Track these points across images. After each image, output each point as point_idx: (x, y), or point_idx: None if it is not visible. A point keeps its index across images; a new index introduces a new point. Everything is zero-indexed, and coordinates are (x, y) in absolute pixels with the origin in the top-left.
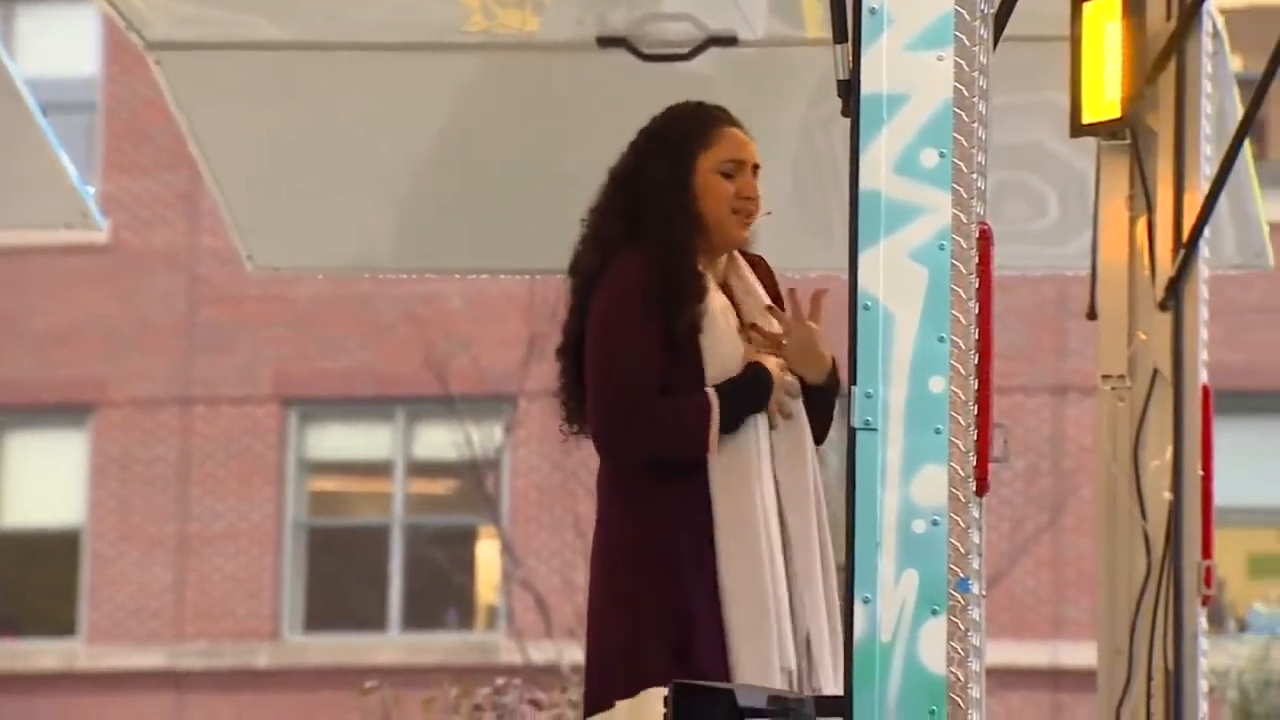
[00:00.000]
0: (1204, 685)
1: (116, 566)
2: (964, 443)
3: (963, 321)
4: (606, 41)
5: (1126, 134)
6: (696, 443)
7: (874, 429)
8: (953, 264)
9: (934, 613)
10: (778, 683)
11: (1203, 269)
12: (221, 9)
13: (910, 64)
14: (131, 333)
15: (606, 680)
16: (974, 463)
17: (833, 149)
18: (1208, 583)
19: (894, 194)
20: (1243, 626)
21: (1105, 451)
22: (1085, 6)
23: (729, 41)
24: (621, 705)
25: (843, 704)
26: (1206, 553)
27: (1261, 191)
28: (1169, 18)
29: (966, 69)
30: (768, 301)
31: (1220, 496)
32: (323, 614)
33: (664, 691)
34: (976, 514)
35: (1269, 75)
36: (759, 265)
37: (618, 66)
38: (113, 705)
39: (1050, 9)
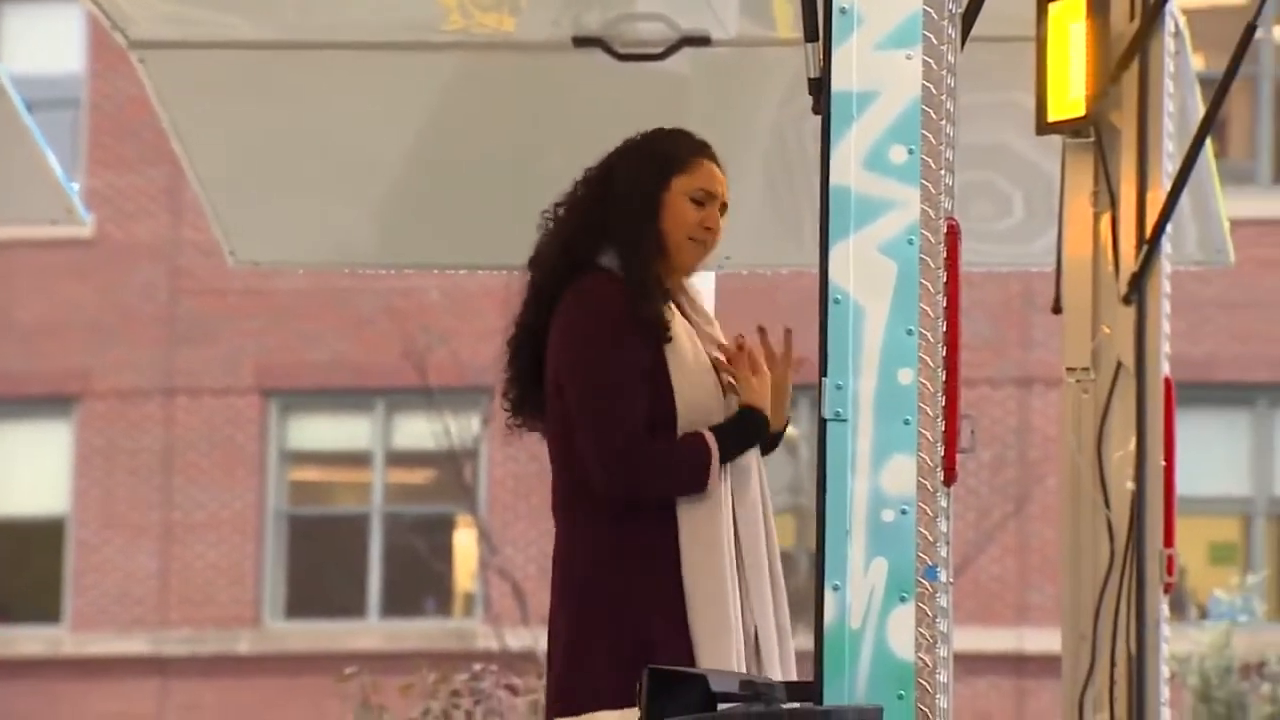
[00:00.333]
0: (1166, 671)
1: (101, 554)
2: (932, 433)
3: (931, 315)
4: (582, 41)
5: (1091, 132)
6: (696, 485)
7: (844, 420)
8: (921, 258)
9: (902, 600)
10: None
11: (1165, 264)
12: (203, 9)
13: (880, 63)
14: (115, 325)
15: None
16: (942, 453)
17: (804, 146)
18: (1169, 571)
19: (864, 190)
20: (1203, 613)
21: (1070, 442)
22: (1050, 7)
23: (702, 41)
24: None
25: (813, 689)
26: (1168, 541)
27: (1222, 189)
28: (1132, 18)
29: (935, 68)
30: (712, 318)
31: (1181, 486)
32: (303, 601)
33: (615, 713)
34: (944, 503)
35: (1230, 74)
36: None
37: (593, 66)
38: (97, 691)
39: (1016, 9)
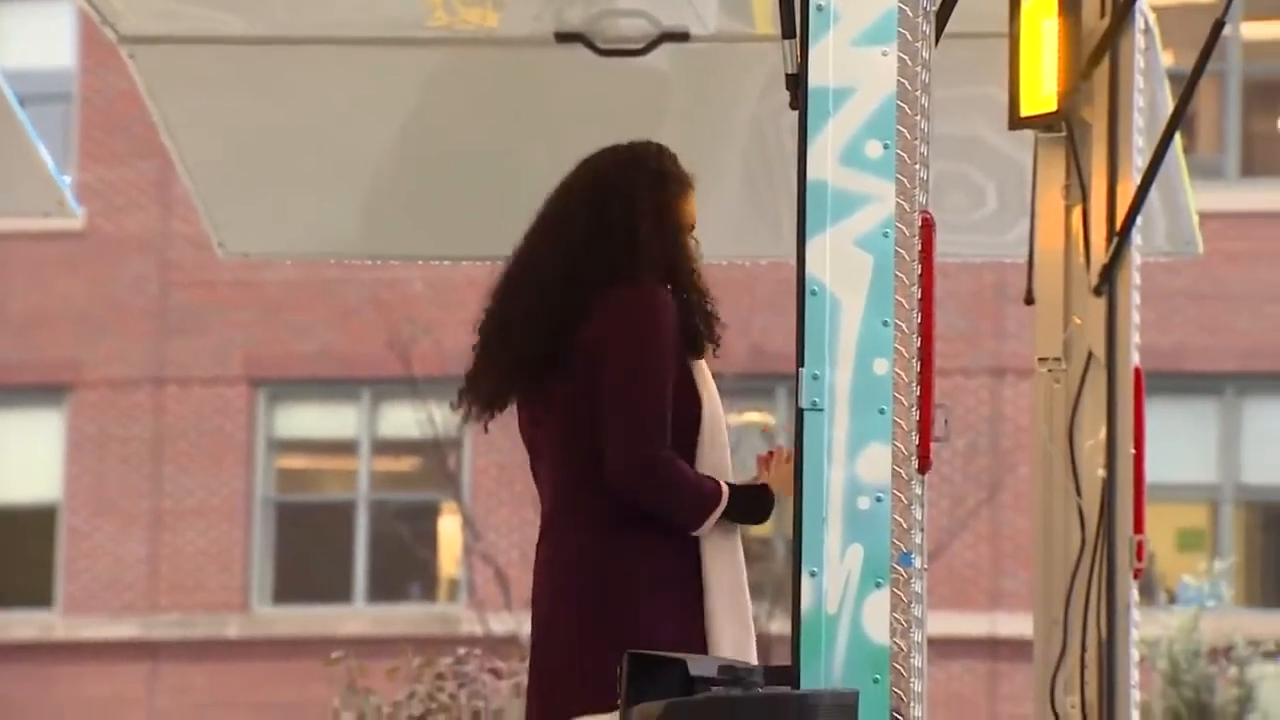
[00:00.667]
0: (1135, 655)
1: (92, 540)
2: (907, 422)
3: (906, 306)
4: (564, 37)
5: (1062, 127)
6: (692, 523)
7: (820, 409)
8: (896, 251)
9: (878, 585)
10: None
11: (1135, 256)
12: (192, 4)
13: (855, 59)
14: (106, 316)
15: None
16: (916, 441)
17: (781, 140)
18: (1139, 556)
19: (840, 184)
20: (1172, 598)
21: (1041, 431)
22: (1023, 4)
23: (682, 37)
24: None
25: (790, 673)
26: (1138, 528)
27: (1191, 182)
28: (1103, 15)
29: (910, 64)
30: None
31: (1151, 474)
32: (291, 586)
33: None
34: (919, 491)
35: (1198, 70)
36: None
37: (575, 61)
38: (89, 674)
39: (989, 7)
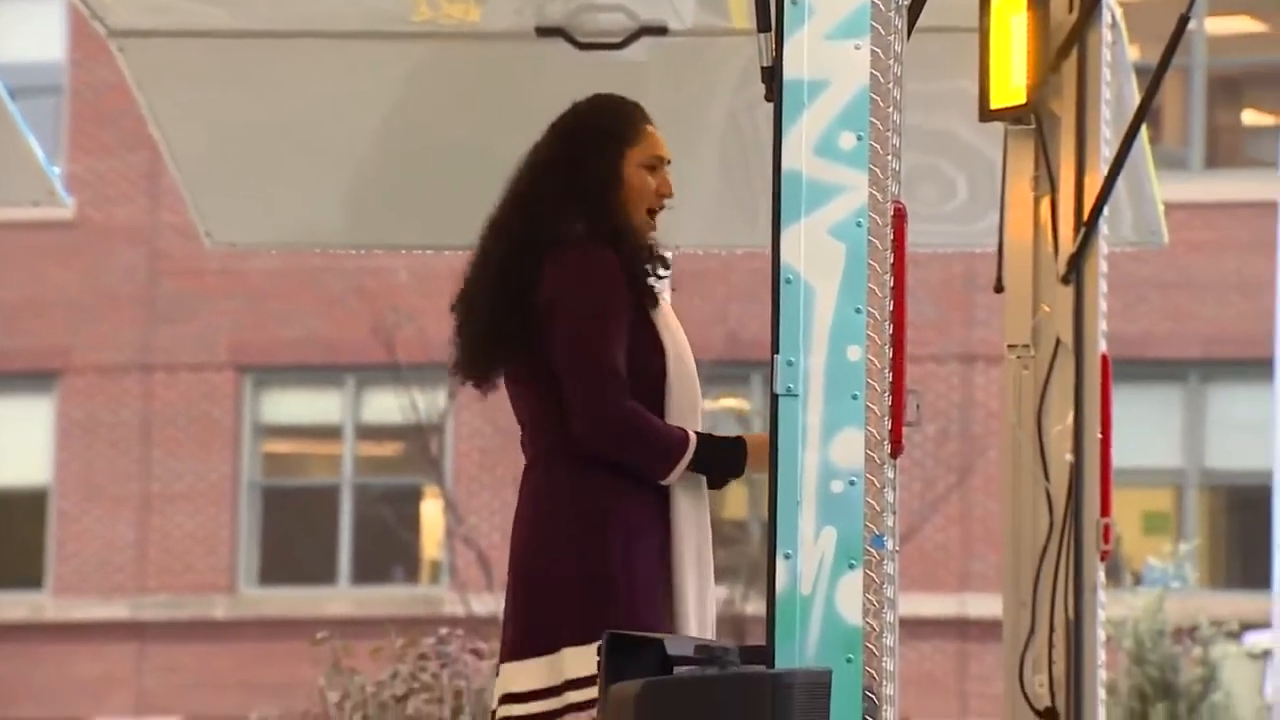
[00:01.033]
0: (1102, 635)
1: (82, 523)
2: (879, 408)
3: (878, 294)
4: (544, 31)
5: (1031, 119)
6: (659, 472)
7: (795, 395)
8: (869, 240)
9: (851, 567)
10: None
11: (1102, 246)
12: None
13: (829, 52)
14: (95, 304)
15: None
16: (889, 426)
17: (757, 132)
18: (1106, 539)
19: (814, 174)
20: (1138, 580)
21: (1011, 416)
22: None
23: (659, 31)
24: (567, 651)
25: (765, 652)
26: (1105, 511)
27: (1157, 173)
28: (1071, 10)
29: (882, 57)
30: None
31: (1117, 458)
32: (276, 569)
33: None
34: (891, 474)
35: (1164, 65)
36: None
37: (555, 55)
38: (78, 654)
39: (960, 1)
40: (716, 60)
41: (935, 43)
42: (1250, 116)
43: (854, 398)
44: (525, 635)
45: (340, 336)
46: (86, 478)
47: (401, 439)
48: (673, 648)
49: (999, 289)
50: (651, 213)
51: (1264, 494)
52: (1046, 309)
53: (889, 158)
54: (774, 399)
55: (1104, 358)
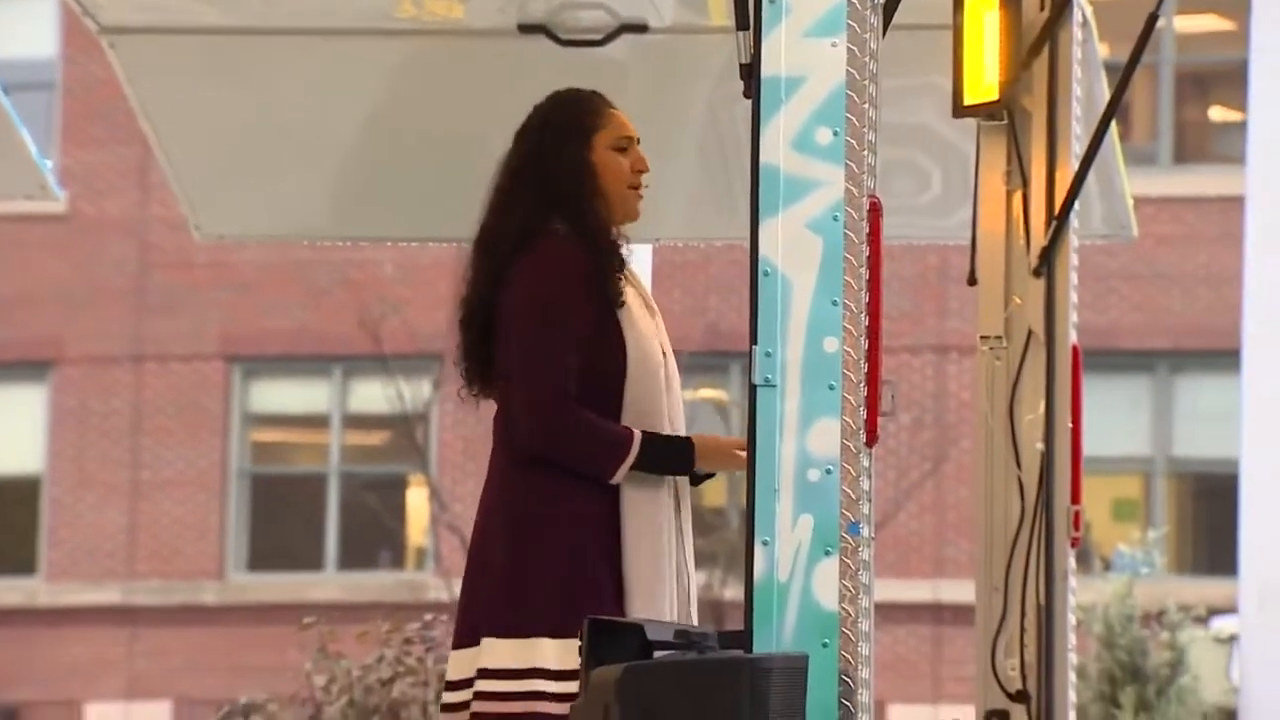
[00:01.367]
0: (1072, 619)
1: (74, 510)
2: (855, 398)
3: (854, 286)
4: (527, 28)
5: (1004, 115)
6: (604, 473)
7: (773, 385)
8: (845, 234)
9: (827, 554)
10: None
11: (1073, 239)
12: None
13: (806, 50)
14: (87, 295)
15: (493, 614)
16: (864, 416)
17: (735, 128)
18: (1076, 526)
19: (791, 169)
20: (1107, 566)
21: (983, 406)
22: None
23: (640, 29)
24: (509, 642)
25: (743, 637)
26: (1075, 498)
27: (1126, 168)
28: (1043, 8)
29: (858, 54)
30: (654, 306)
31: (1087, 447)
32: (265, 555)
33: (554, 641)
34: (866, 463)
35: (1133, 62)
36: None
37: (537, 51)
38: (70, 638)
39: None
40: (696, 57)
41: (910, 40)
42: (1217, 113)
43: (830, 388)
44: (458, 624)
45: (327, 327)
46: (79, 465)
47: (387, 428)
48: (653, 633)
49: (972, 281)
50: (634, 188)
51: (1230, 482)
52: (1018, 301)
53: (865, 153)
54: (752, 389)
55: (1074, 349)
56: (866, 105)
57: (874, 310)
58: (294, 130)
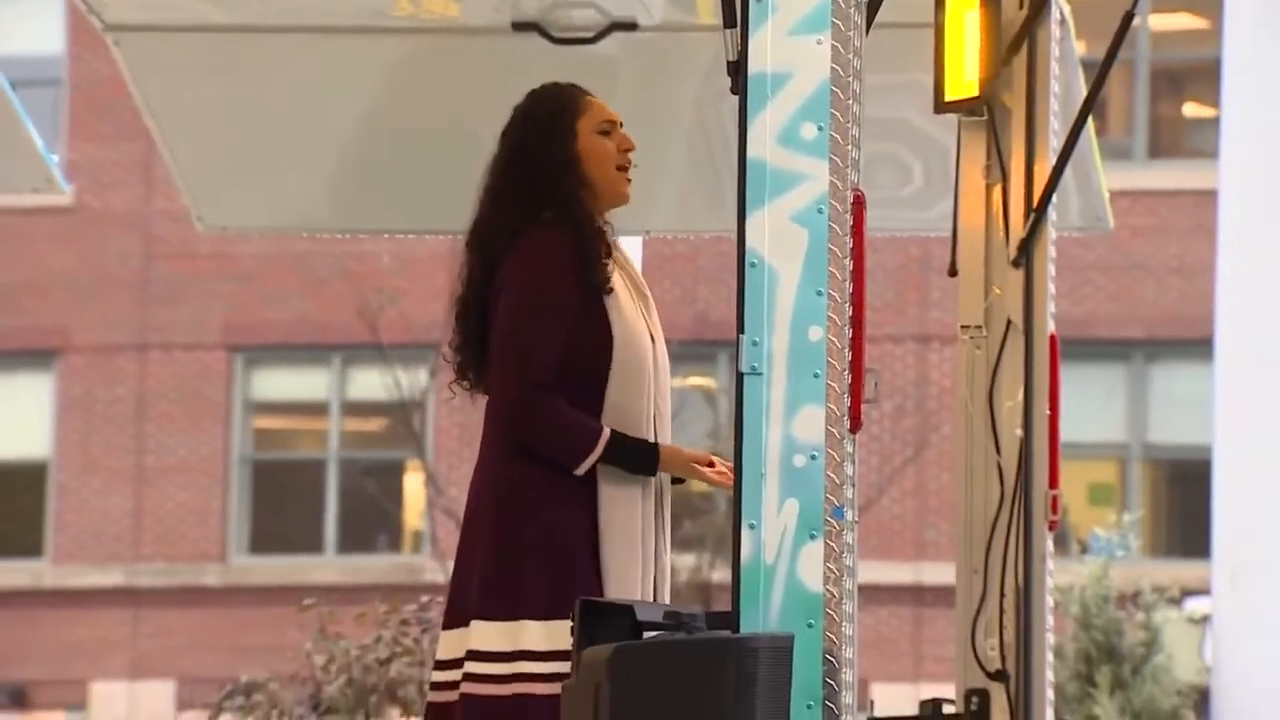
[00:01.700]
0: (1050, 601)
1: (80, 495)
2: (839, 385)
3: (839, 277)
4: (520, 26)
5: (984, 111)
6: (569, 464)
7: (759, 373)
8: (830, 226)
9: (812, 537)
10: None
11: (1051, 231)
12: None
13: (792, 47)
14: (93, 286)
15: (481, 597)
16: (848, 403)
17: (723, 123)
18: (1054, 510)
19: (778, 163)
20: (1084, 548)
21: (964, 394)
22: None
23: (630, 26)
24: (496, 625)
25: (731, 618)
26: (1053, 483)
27: (1102, 162)
28: (1021, 7)
29: (842, 52)
30: (647, 292)
31: (1065, 433)
32: (266, 538)
33: (538, 624)
34: (850, 449)
35: (1110, 59)
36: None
37: (530, 49)
38: (76, 619)
39: None
40: (684, 54)
41: (892, 38)
42: (1191, 109)
43: (815, 376)
44: (449, 605)
45: (327, 317)
46: (84, 451)
47: (385, 415)
48: (643, 614)
49: (953, 272)
50: (621, 169)
51: (1204, 467)
52: (998, 291)
53: (849, 147)
54: (739, 377)
55: (1052, 338)
56: (850, 101)
57: (858, 300)
58: (293, 125)
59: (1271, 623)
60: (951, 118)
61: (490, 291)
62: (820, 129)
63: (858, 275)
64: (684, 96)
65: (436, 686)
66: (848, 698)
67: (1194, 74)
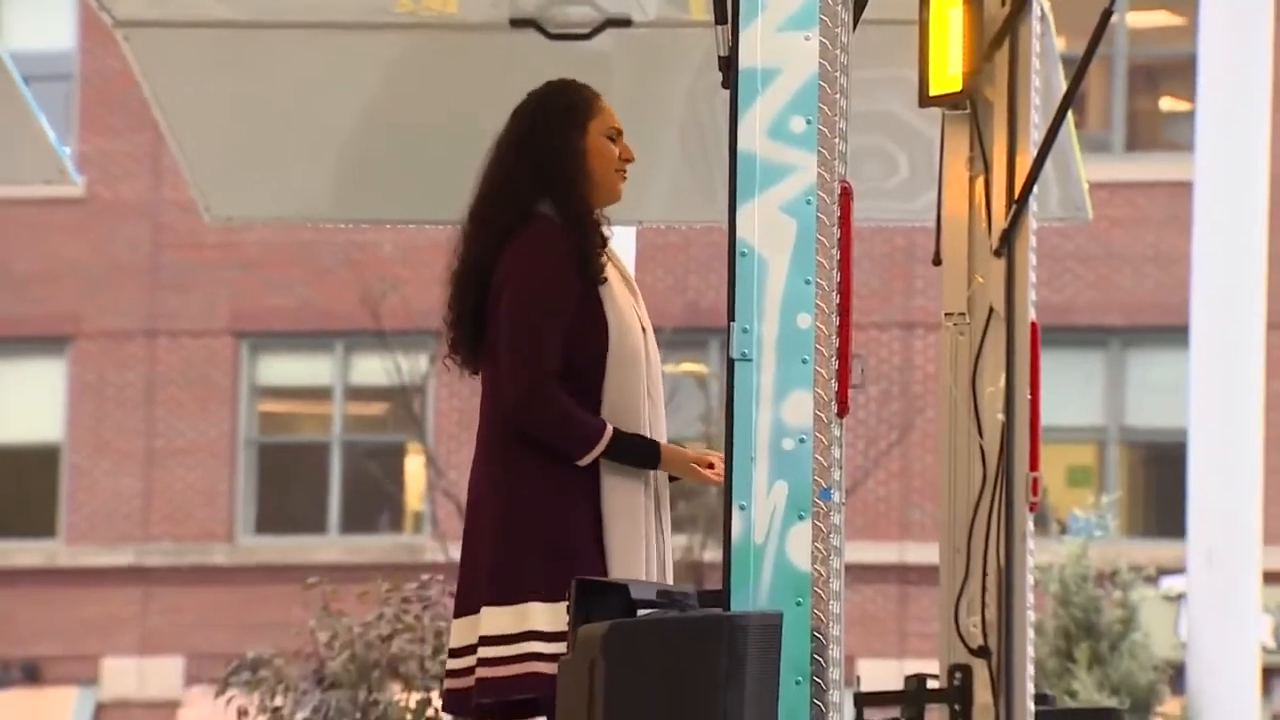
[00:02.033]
0: (1031, 579)
1: (91, 477)
2: (827, 371)
3: (826, 266)
4: (518, 23)
5: (967, 105)
6: (575, 454)
7: (749, 359)
8: (818, 216)
9: (800, 518)
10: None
11: (1031, 221)
12: None
13: (781, 43)
14: (104, 274)
15: (489, 583)
16: (835, 388)
17: (715, 116)
18: (1034, 491)
19: (767, 156)
20: (1063, 529)
21: (947, 379)
22: None
23: (624, 23)
24: (504, 609)
25: (722, 597)
26: (1034, 465)
27: (1082, 155)
28: (1003, 4)
29: (830, 47)
30: (633, 282)
31: (1045, 417)
32: (271, 519)
33: (544, 605)
34: (837, 433)
35: (1089, 54)
36: None
37: (527, 44)
38: (88, 597)
39: None
40: (677, 50)
41: (878, 34)
42: (1167, 103)
43: (804, 362)
44: (459, 593)
45: (330, 304)
46: (96, 434)
47: (387, 399)
48: (637, 592)
49: (937, 261)
50: (619, 172)
51: (1179, 450)
52: (980, 280)
53: (836, 140)
54: (730, 363)
55: (1033, 325)
56: (838, 95)
57: (845, 288)
58: (298, 119)
59: (1243, 600)
60: (936, 111)
61: (490, 272)
62: (809, 122)
63: (845, 264)
64: (677, 91)
65: (452, 674)
66: (835, 673)
67: (1170, 69)
